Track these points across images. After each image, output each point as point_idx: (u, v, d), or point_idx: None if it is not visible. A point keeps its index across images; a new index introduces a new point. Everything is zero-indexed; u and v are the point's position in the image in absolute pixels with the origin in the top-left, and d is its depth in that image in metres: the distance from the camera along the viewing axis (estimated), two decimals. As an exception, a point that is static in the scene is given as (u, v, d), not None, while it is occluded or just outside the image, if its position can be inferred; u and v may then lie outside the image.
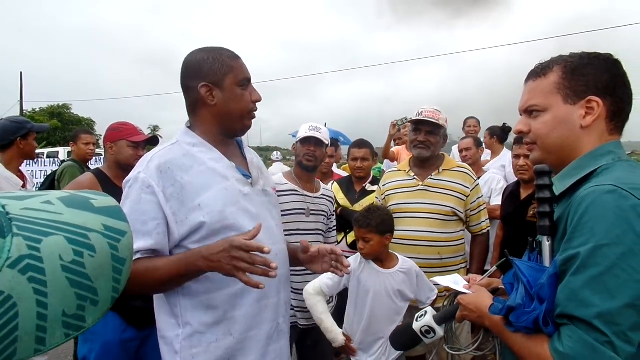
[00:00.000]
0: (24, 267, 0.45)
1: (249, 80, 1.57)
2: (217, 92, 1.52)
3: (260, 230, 1.32)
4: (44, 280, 0.46)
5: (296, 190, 2.69)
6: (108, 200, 0.58)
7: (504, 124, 4.89)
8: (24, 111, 27.85)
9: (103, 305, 0.51)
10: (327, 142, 2.78)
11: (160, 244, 1.41)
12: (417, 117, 2.68)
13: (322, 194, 2.82)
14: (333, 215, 2.93)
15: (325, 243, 2.71)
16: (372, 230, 2.24)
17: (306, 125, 2.77)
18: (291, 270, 1.70)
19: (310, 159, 2.71)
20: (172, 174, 1.43)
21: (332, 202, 2.92)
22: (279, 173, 2.95)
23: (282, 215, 1.96)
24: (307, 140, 2.72)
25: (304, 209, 2.66)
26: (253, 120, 1.62)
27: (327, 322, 2.35)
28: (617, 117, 1.15)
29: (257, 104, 1.60)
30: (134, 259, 1.38)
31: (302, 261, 1.66)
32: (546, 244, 1.17)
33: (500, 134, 4.85)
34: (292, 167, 3.05)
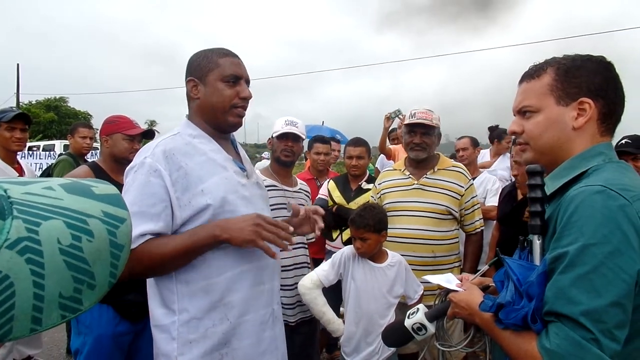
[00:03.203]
0: (22, 249, 0.46)
1: (237, 77, 1.58)
2: (201, 87, 1.58)
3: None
4: (42, 262, 0.47)
5: (276, 186, 2.66)
6: (109, 188, 0.59)
7: (497, 125, 4.87)
8: (21, 103, 27.68)
9: (100, 289, 0.52)
10: (303, 137, 2.75)
11: (167, 226, 1.44)
12: (411, 120, 2.70)
13: (299, 188, 2.83)
14: None
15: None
16: (370, 230, 2.25)
17: (281, 120, 2.72)
18: (280, 267, 1.75)
19: (288, 154, 2.69)
20: (177, 160, 1.47)
21: (308, 196, 2.93)
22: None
23: None
24: (284, 136, 2.68)
25: (285, 204, 2.64)
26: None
27: (328, 315, 2.37)
28: (609, 119, 1.17)
29: (250, 101, 1.61)
30: (142, 241, 1.36)
31: (294, 227, 1.72)
32: (537, 242, 1.19)
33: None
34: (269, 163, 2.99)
